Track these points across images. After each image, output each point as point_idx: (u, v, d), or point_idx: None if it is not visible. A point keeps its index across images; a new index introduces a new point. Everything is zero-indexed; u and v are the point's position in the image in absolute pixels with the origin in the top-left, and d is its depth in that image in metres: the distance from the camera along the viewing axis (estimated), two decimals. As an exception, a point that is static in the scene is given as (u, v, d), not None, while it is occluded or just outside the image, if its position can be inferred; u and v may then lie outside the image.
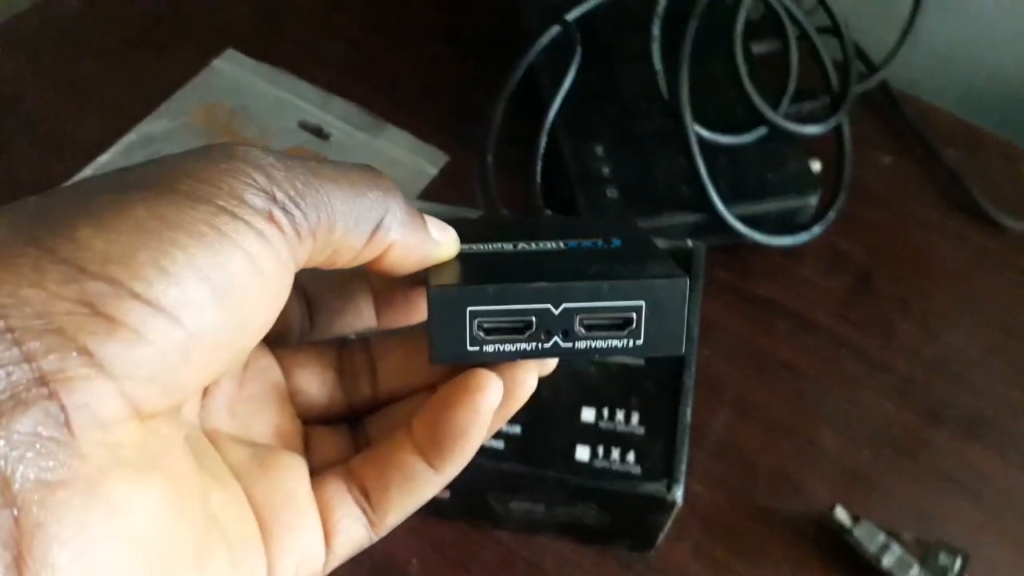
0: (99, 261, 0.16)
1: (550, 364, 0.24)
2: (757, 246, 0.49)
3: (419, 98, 0.57)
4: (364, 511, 0.23)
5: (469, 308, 0.22)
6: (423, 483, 0.23)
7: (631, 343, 0.22)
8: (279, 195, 0.18)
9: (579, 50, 0.49)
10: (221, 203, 0.17)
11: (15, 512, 0.14)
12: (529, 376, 0.23)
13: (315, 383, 0.25)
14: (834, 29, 0.52)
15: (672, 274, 0.22)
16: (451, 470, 0.23)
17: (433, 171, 0.53)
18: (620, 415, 0.37)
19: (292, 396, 0.25)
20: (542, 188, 0.50)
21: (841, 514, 0.39)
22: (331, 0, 0.64)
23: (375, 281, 0.26)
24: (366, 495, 0.23)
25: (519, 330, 0.22)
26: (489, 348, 0.22)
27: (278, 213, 0.18)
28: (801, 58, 0.51)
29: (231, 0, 0.64)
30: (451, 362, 0.22)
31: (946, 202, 0.52)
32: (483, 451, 0.37)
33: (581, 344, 0.22)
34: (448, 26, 0.62)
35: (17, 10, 0.62)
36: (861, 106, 0.56)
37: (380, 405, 0.25)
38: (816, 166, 0.50)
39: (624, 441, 0.37)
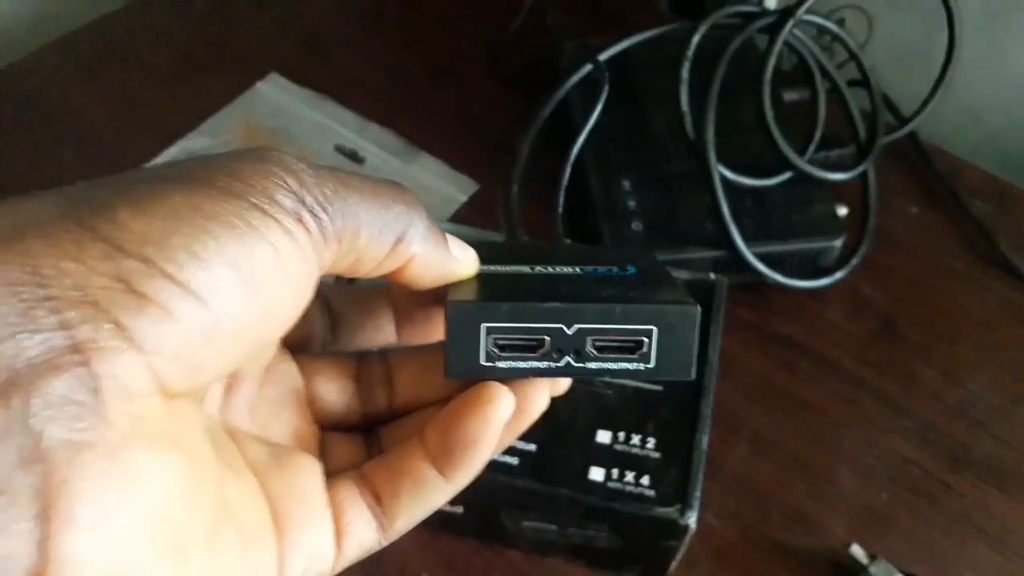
0: (136, 242, 0.17)
1: (563, 384, 0.24)
2: (781, 287, 0.49)
3: (455, 129, 0.59)
4: (375, 515, 0.23)
5: (484, 324, 0.22)
6: (433, 490, 0.23)
7: (642, 366, 0.23)
8: (308, 199, 0.19)
9: (607, 87, 0.50)
10: (253, 200, 0.18)
11: (44, 467, 0.15)
12: (540, 394, 0.23)
13: (333, 391, 0.25)
14: (864, 82, 0.52)
15: (684, 301, 0.23)
16: (460, 479, 0.23)
17: (463, 198, 0.55)
18: (636, 439, 0.37)
19: (310, 402, 0.25)
20: (571, 219, 0.51)
21: (857, 551, 0.39)
22: (375, 32, 0.66)
23: (397, 299, 0.27)
24: (378, 500, 0.23)
25: (532, 348, 0.23)
26: (503, 364, 0.23)
27: (306, 215, 0.19)
28: (832, 107, 0.52)
29: (279, 27, 0.66)
30: (465, 377, 0.23)
31: (972, 253, 0.52)
32: (497, 467, 0.38)
33: (593, 365, 0.23)
34: (489, 62, 0.63)
35: (77, 26, 0.65)
36: (891, 158, 0.57)
37: (395, 416, 0.26)
38: (842, 211, 0.51)
39: (639, 464, 0.37)
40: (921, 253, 0.53)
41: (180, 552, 0.18)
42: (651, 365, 0.23)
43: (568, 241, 0.49)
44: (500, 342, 0.22)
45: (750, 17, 0.51)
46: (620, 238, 0.48)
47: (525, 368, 0.23)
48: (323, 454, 0.25)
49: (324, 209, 0.19)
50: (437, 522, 0.41)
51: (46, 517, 0.15)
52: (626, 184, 0.51)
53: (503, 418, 0.22)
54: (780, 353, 0.48)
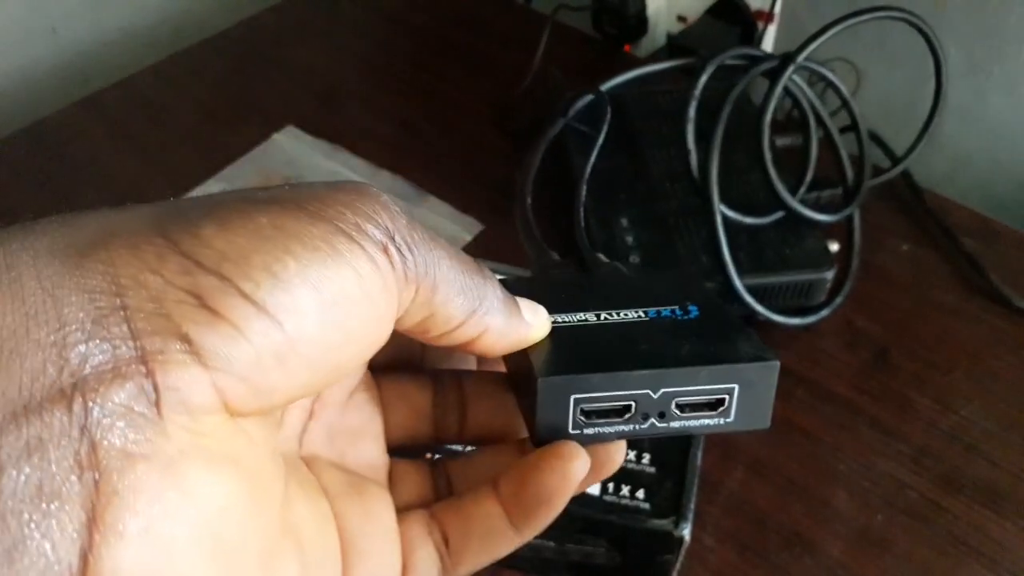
0: (216, 259, 0.17)
1: None
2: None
3: (461, 176, 0.62)
4: (441, 556, 0.24)
5: (574, 396, 0.23)
6: (502, 539, 0.23)
7: (722, 420, 0.24)
8: (397, 237, 0.19)
9: (609, 112, 0.51)
10: (340, 225, 0.18)
11: (96, 476, 0.15)
12: (620, 453, 0.24)
13: (410, 416, 0.26)
14: (853, 127, 0.54)
15: (764, 357, 0.23)
16: (531, 532, 0.24)
17: (468, 238, 0.57)
18: (632, 455, 0.38)
19: (386, 421, 0.26)
20: (576, 238, 0.53)
21: None
22: (387, 89, 0.70)
23: None
24: (446, 541, 0.24)
25: (619, 412, 0.23)
26: (589, 431, 0.23)
27: (392, 249, 0.19)
28: (826, 152, 0.54)
29: (296, 84, 0.70)
30: (552, 442, 0.23)
31: (962, 287, 0.54)
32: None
33: (675, 424, 0.23)
34: (493, 114, 0.66)
35: (103, 85, 0.69)
36: (882, 197, 0.59)
37: (463, 441, 0.27)
38: (834, 246, 0.52)
39: (635, 479, 0.38)
40: (913, 287, 0.54)
41: (231, 572, 0.18)
42: (731, 419, 0.24)
43: (603, 258, 0.48)
44: (587, 409, 0.23)
45: (754, 60, 0.53)
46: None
47: (610, 432, 0.23)
48: (391, 483, 0.25)
49: (411, 249, 0.20)
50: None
51: (93, 526, 0.15)
52: (623, 221, 0.53)
53: (581, 476, 0.22)
54: (776, 381, 0.49)
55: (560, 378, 0.22)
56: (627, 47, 0.71)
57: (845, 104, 0.55)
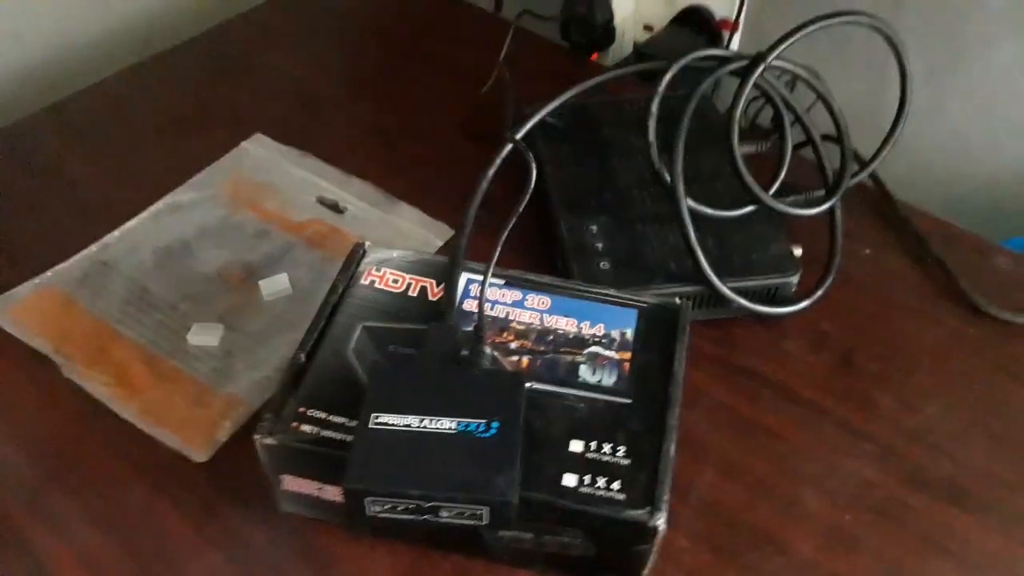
0: None
1: None
2: (743, 322, 0.52)
3: (431, 182, 0.62)
4: None
5: (368, 498, 0.35)
6: None
7: (475, 522, 0.35)
8: None
9: (533, 169, 0.47)
10: None
11: None
12: None
13: None
14: (834, 123, 0.55)
15: (507, 494, 0.35)
16: None
17: (439, 243, 0.57)
18: (607, 448, 0.39)
19: None
20: (543, 258, 0.53)
21: None
22: (356, 94, 0.70)
23: None
24: None
25: (400, 507, 0.35)
26: (383, 516, 0.35)
27: None
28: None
29: (265, 92, 0.70)
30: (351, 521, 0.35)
31: (923, 290, 0.55)
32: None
33: (444, 520, 0.35)
34: (462, 121, 0.67)
35: (73, 91, 0.68)
36: (844, 202, 0.60)
37: None
38: (798, 251, 0.53)
39: (610, 471, 0.38)
40: (875, 291, 0.55)
41: None
42: (485, 522, 0.35)
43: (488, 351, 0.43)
44: (379, 502, 0.35)
45: (723, 61, 0.54)
46: (589, 276, 0.51)
47: (393, 518, 0.35)
48: None
49: None
50: (417, 538, 0.42)
51: None
52: (593, 228, 0.54)
53: None
54: (744, 384, 0.50)
55: (360, 486, 0.34)
56: (595, 55, 0.72)
57: (822, 99, 0.55)
